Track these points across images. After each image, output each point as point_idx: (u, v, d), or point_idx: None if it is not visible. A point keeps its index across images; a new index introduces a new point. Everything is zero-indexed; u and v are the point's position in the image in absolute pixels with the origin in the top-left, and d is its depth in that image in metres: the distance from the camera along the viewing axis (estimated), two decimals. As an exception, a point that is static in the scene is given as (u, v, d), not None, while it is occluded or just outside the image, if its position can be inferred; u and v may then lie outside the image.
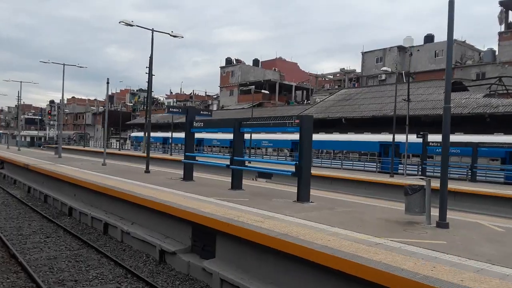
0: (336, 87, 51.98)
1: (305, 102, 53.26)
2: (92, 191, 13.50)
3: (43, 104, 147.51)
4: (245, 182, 14.77)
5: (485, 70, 39.04)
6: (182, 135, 53.61)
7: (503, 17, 38.40)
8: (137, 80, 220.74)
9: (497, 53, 39.15)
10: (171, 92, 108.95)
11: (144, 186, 13.21)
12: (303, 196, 10.92)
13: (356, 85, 49.33)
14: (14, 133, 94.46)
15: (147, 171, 18.56)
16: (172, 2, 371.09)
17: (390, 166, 26.33)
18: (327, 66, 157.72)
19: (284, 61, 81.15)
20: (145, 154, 23.77)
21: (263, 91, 49.72)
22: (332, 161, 32.95)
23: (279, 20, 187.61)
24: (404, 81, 45.09)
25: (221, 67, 66.00)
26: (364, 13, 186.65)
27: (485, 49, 42.20)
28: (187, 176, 15.48)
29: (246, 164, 14.29)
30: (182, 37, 19.10)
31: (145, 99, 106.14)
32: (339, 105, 39.48)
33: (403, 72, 45.99)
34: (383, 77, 46.02)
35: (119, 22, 17.75)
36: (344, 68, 51.54)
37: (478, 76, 39.05)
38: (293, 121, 11.24)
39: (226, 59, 66.29)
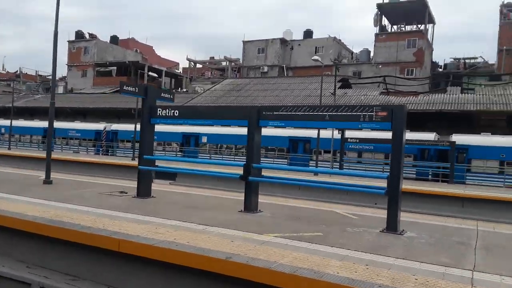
0: (219, 76, 48.44)
1: (179, 90, 48.12)
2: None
3: None
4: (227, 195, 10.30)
5: (361, 69, 41.50)
6: (27, 123, 42.23)
7: (378, 20, 41.31)
8: None
9: (372, 54, 42.05)
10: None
11: (100, 215, 7.55)
12: (394, 222, 7.38)
13: (238, 76, 46.88)
14: None
15: (47, 180, 11.89)
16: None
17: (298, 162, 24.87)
18: (164, 54, 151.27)
19: (137, 42, 73.16)
20: None
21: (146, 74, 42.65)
22: (235, 157, 29.63)
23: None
24: (285, 74, 44.89)
25: (70, 42, 54.71)
26: (197, 3, 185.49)
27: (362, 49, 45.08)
28: (143, 191, 10.03)
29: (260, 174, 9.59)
30: None
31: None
32: (231, 95, 36.28)
33: (284, 65, 45.78)
34: (265, 69, 44.80)
35: None
36: (226, 56, 48.33)
37: (355, 74, 41.23)
38: (373, 113, 7.54)
39: (77, 32, 55.24)
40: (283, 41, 46.01)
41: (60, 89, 55.32)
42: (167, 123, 10.26)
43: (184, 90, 48.95)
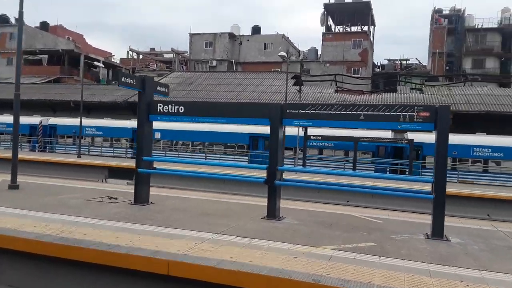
0: (165, 68, 46.00)
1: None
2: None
3: None
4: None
5: (310, 67, 42.05)
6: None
7: (325, 20, 42.09)
8: None
9: (319, 52, 42.76)
10: None
11: (113, 228, 6.37)
12: (440, 229, 7.11)
13: (185, 69, 45.01)
14: None
15: (14, 184, 10.10)
16: None
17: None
18: (94, 43, 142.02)
19: (66, 30, 67.59)
20: None
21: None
22: (193, 154, 28.35)
23: None
24: (234, 69, 44.11)
25: (-8, 26, 48.80)
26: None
27: (309, 47, 45.61)
28: (141, 196, 8.83)
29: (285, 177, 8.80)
30: None
31: None
32: (182, 89, 34.68)
33: (233, 60, 44.97)
34: (214, 63, 43.58)
35: None
36: (173, 48, 46.03)
37: (304, 72, 41.63)
38: (414, 113, 7.23)
39: (1, 16, 49.33)
40: (231, 36, 45.09)
41: (-21, 78, 49.24)
42: (170, 120, 9.14)
43: (126, 82, 46.06)
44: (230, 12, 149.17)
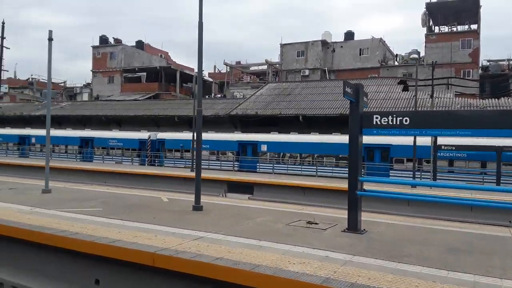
0: (258, 80, 46.04)
1: (216, 96, 45.75)
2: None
3: None
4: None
5: (412, 71, 39.28)
6: (61, 132, 39.82)
7: (426, 20, 39.25)
8: None
9: (422, 54, 39.94)
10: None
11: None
12: None
13: (277, 79, 44.53)
14: None
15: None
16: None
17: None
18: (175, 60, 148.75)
19: (153, 48, 70.98)
20: None
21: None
22: (302, 167, 27.29)
23: (95, 5, 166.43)
24: (328, 77, 42.67)
25: (94, 47, 52.32)
26: (190, 10, 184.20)
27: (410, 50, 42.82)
28: (355, 222, 7.64)
29: None
30: None
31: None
32: (281, 100, 33.97)
33: (326, 68, 43.60)
34: (307, 72, 42.54)
35: None
36: (267, 60, 45.93)
37: (405, 76, 39.05)
38: None
39: (101, 37, 52.86)
40: (324, 43, 43.79)
41: (85, 96, 53.02)
42: (389, 134, 7.88)
43: (218, 95, 46.69)
44: (291, 23, 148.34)
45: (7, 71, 41.27)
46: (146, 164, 32.35)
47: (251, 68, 53.32)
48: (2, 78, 36.50)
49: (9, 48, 34.72)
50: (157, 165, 31.92)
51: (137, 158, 33.23)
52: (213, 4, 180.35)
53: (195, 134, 31.30)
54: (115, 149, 34.56)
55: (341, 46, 44.01)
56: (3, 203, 9.67)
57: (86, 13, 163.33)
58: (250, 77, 48.44)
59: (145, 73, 48.77)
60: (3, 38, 34.43)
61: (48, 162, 11.91)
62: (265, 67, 47.56)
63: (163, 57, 57.80)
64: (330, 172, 25.93)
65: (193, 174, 10.40)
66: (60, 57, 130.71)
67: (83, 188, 13.93)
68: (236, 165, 29.27)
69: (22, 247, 6.78)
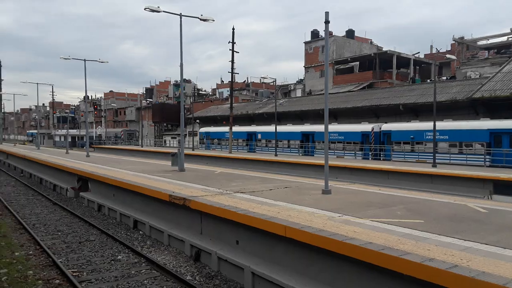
0: (497, 55, 38.10)
1: (440, 78, 39.92)
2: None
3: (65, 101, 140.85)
4: None
5: None
6: (269, 128, 42.15)
7: None
8: (151, 76, 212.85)
9: None
10: (222, 81, 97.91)
11: None
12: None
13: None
14: (51, 132, 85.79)
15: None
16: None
17: None
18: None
19: (357, 37, 67.98)
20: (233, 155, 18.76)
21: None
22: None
23: (291, 9, 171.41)
24: None
25: (306, 43, 53.22)
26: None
27: None
28: None
29: None
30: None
31: (194, 90, 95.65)
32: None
33: None
34: None
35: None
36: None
37: None
38: None
39: (312, 31, 53.38)
40: None
41: (298, 92, 54.71)
42: None
43: (443, 78, 40.62)
44: None
45: (238, 73, 45.27)
46: (370, 158, 30.12)
47: (489, 41, 44.42)
48: (234, 81, 40.24)
49: (238, 52, 37.68)
50: (382, 159, 29.28)
51: (359, 152, 31.35)
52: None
53: (415, 124, 27.74)
54: (336, 142, 33.57)
55: None
56: (292, 205, 8.84)
57: (282, 17, 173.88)
58: (488, 52, 40.20)
59: (357, 62, 46.61)
60: (233, 43, 37.94)
61: (327, 160, 10.74)
62: (503, 39, 38.71)
63: (372, 43, 54.56)
64: None
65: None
66: (259, 61, 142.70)
67: (357, 189, 12.45)
68: (488, 160, 23.93)
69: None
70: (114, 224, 12.98)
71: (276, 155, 32.95)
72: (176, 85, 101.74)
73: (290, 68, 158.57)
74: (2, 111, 65.34)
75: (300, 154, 36.54)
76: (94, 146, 60.12)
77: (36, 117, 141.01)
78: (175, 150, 24.59)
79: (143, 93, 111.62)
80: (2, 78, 58.24)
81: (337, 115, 38.78)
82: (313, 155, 35.09)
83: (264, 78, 40.50)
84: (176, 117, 79.46)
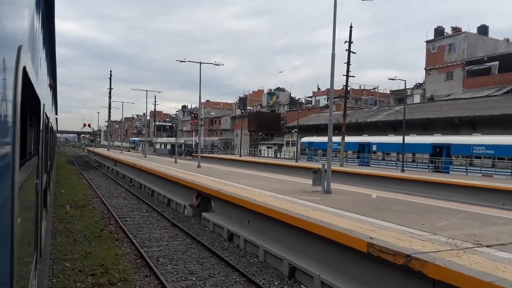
0: None
1: None
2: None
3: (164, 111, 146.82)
4: None
5: None
6: (386, 139, 36.84)
7: None
8: (237, 87, 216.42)
9: None
10: (319, 89, 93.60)
11: None
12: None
13: None
14: (153, 140, 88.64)
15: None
16: (270, 7, 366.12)
17: None
18: None
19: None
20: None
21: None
22: None
23: (379, 16, 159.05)
24: None
25: (428, 41, 46.70)
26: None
27: None
28: None
29: None
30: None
31: (289, 99, 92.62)
32: None
33: None
34: None
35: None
36: None
37: None
38: None
39: (436, 29, 46.72)
40: None
41: (416, 98, 48.34)
42: None
43: None
44: None
45: (354, 76, 40.90)
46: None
47: None
48: (348, 84, 35.94)
49: (354, 53, 33.31)
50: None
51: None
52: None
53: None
54: (482, 158, 27.35)
55: None
56: None
57: (371, 25, 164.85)
58: None
59: (497, 62, 39.13)
60: (350, 42, 33.71)
61: None
62: None
63: (509, 40, 46.12)
64: None
65: None
66: (342, 69, 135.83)
67: None
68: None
69: None
70: (258, 266, 9.55)
71: (403, 170, 27.70)
72: (270, 94, 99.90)
73: (377, 76, 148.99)
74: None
75: (430, 170, 30.82)
76: (193, 154, 59.73)
77: (138, 124, 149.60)
78: (306, 164, 21.02)
79: (236, 102, 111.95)
80: (112, 87, 60.60)
81: (475, 124, 32.25)
82: (448, 172, 29.20)
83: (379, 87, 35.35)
84: (271, 126, 77.18)
